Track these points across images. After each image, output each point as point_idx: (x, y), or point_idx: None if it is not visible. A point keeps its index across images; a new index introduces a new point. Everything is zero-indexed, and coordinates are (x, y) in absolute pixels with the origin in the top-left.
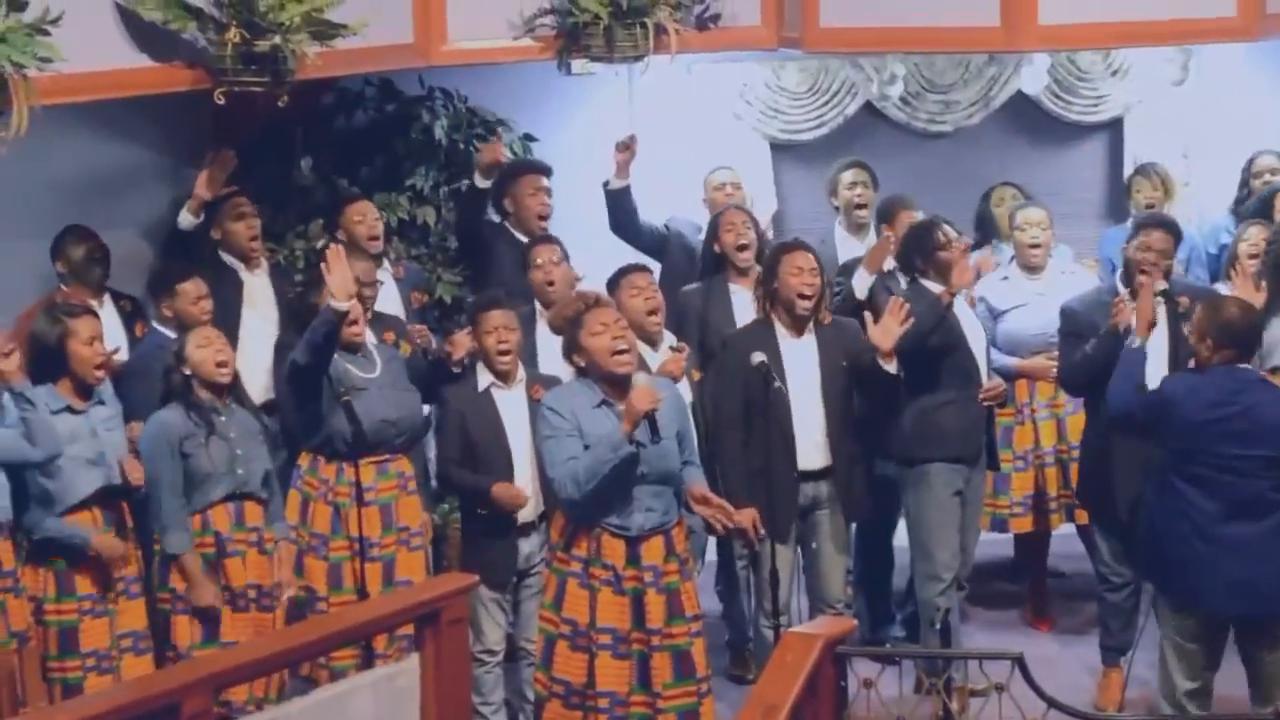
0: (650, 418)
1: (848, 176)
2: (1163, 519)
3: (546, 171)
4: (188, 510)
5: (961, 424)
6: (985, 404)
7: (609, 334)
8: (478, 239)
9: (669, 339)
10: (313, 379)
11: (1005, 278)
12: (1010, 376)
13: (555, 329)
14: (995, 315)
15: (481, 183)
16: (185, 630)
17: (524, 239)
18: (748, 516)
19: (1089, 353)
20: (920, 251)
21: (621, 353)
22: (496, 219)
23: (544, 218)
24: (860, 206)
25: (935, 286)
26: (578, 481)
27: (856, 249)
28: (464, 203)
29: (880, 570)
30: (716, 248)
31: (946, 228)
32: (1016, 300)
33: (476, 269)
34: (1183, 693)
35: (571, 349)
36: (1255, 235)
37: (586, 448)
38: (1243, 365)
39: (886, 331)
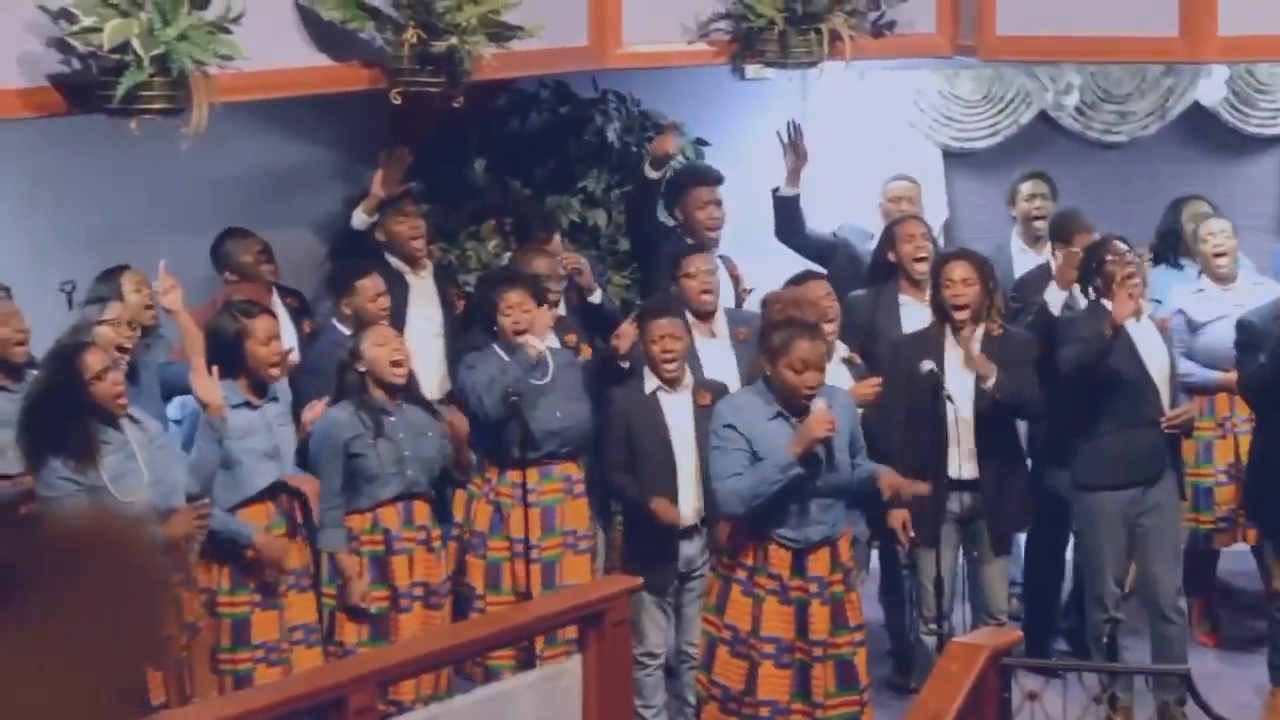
0: (828, 444)
1: (1027, 188)
2: None
3: (717, 181)
4: (345, 510)
5: (1134, 451)
6: (1170, 431)
7: (810, 374)
8: (648, 234)
9: (841, 350)
10: None
11: (1200, 290)
12: (1211, 390)
13: (765, 318)
14: (1194, 329)
15: (652, 174)
16: (352, 627)
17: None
18: (898, 518)
19: (1265, 363)
20: (1097, 272)
21: (810, 391)
22: (670, 222)
23: (713, 230)
24: (1038, 218)
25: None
26: (741, 498)
27: (1033, 260)
28: (634, 195)
29: (1048, 583)
30: (891, 256)
31: (1118, 246)
32: (1215, 313)
33: (645, 266)
34: None
35: (768, 357)
36: None
37: (758, 458)
38: None
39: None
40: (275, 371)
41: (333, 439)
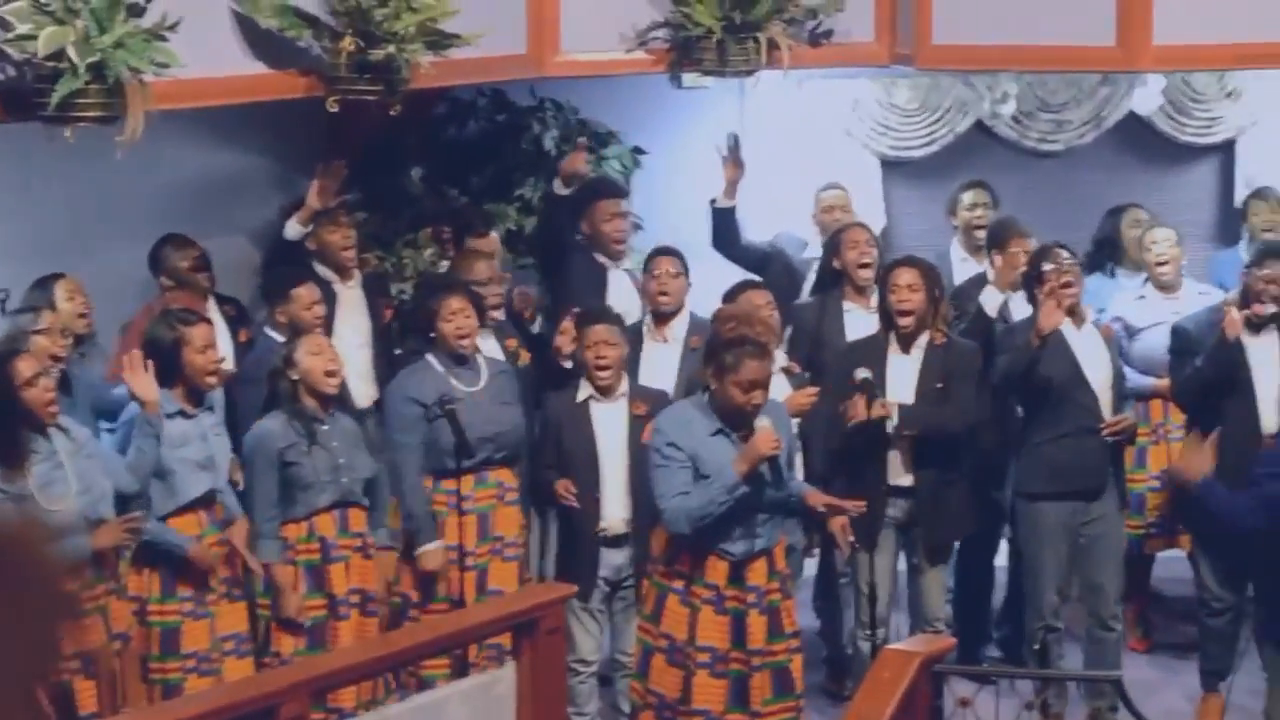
0: (773, 461)
1: (968, 197)
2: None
3: (622, 194)
4: (281, 520)
5: (1076, 460)
6: (1110, 439)
7: (752, 394)
8: (555, 249)
9: (779, 359)
10: None
11: (1141, 296)
12: (1146, 396)
13: (715, 333)
14: (1132, 335)
15: (561, 190)
16: (289, 639)
17: (603, 260)
18: (838, 523)
19: (1200, 367)
20: (1038, 280)
21: (756, 409)
22: (578, 236)
23: (619, 242)
24: (979, 227)
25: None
26: (689, 518)
27: (974, 269)
28: (544, 210)
29: (980, 589)
30: (836, 263)
31: (1059, 254)
32: (1153, 319)
33: (552, 281)
34: None
35: (714, 373)
36: None
37: (702, 475)
38: None
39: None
40: (212, 380)
41: (267, 449)
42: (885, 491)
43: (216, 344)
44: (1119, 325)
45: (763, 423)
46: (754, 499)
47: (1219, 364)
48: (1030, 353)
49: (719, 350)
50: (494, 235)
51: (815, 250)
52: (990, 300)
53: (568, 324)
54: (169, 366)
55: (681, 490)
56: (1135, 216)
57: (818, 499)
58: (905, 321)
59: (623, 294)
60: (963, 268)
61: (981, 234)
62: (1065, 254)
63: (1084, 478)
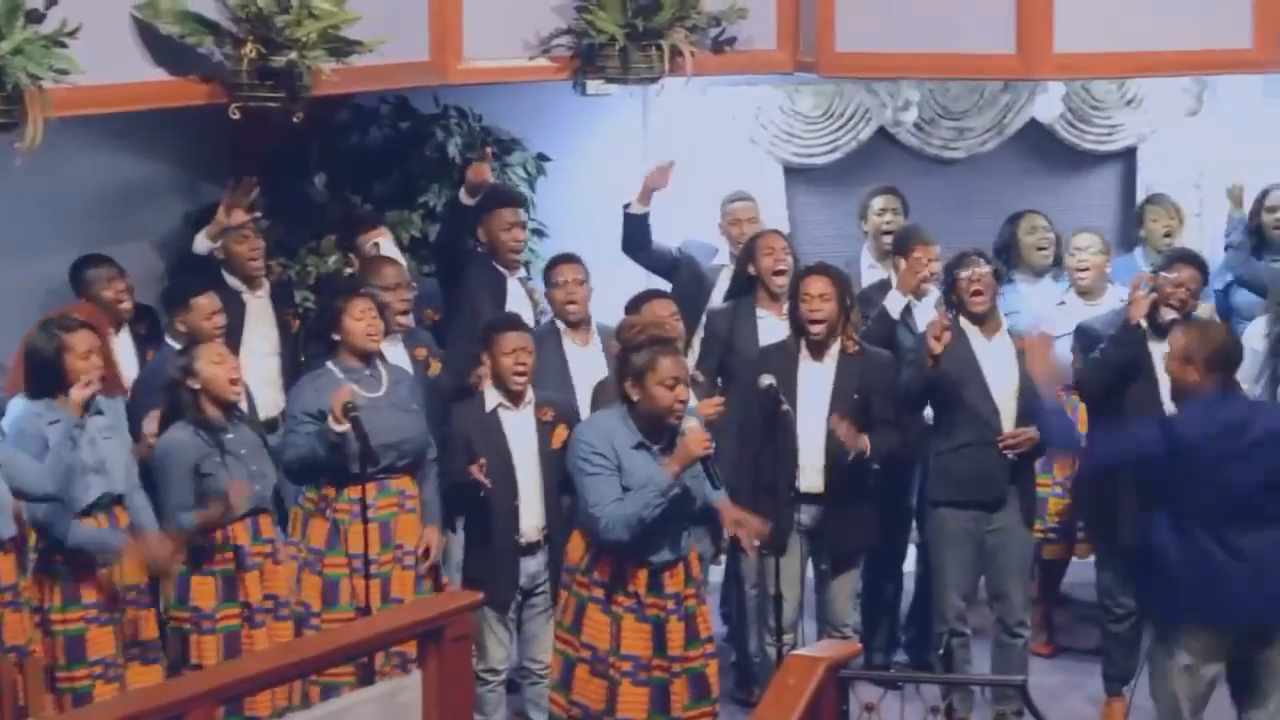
0: (707, 465)
1: (878, 203)
2: (1177, 549)
3: (520, 204)
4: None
5: (976, 469)
6: (1008, 451)
7: (677, 389)
8: (455, 258)
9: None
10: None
11: (1062, 302)
12: None
13: (623, 343)
14: None
15: (466, 200)
16: (211, 649)
17: (501, 269)
18: (742, 529)
19: (1104, 351)
20: (952, 288)
21: (681, 407)
22: (476, 245)
23: (516, 251)
24: (888, 233)
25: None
26: (627, 524)
27: (883, 275)
28: (445, 219)
29: (887, 594)
30: (751, 269)
31: (974, 261)
32: (1069, 327)
33: (450, 290)
34: (1187, 711)
35: (630, 381)
36: None
37: (624, 487)
38: (1233, 390)
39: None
40: (93, 386)
41: (181, 461)
42: (795, 498)
43: (98, 350)
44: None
45: (692, 423)
46: (685, 502)
47: (1122, 347)
48: (925, 373)
49: (630, 357)
50: (385, 232)
51: (725, 258)
52: (893, 304)
53: (485, 367)
54: (53, 374)
55: (616, 497)
56: (1032, 223)
57: (729, 514)
58: (817, 330)
59: (520, 302)
60: (871, 274)
61: (890, 240)
62: (981, 262)
63: (984, 488)
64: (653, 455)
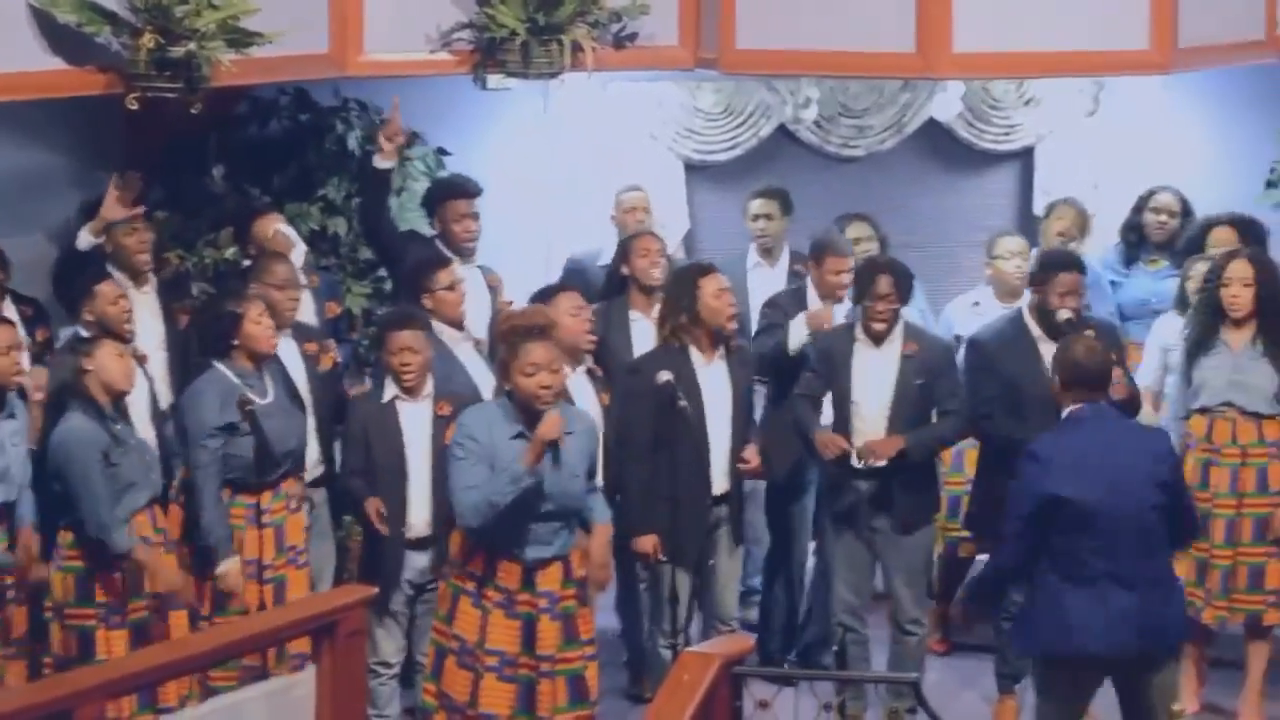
0: (553, 445)
1: (754, 206)
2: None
3: (475, 193)
4: (120, 515)
5: (838, 474)
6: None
7: (543, 375)
8: (385, 238)
9: (585, 360)
10: None
11: (976, 303)
12: None
13: (496, 336)
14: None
15: (382, 164)
16: (120, 640)
17: (452, 257)
18: (648, 543)
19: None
20: (862, 296)
21: (547, 391)
22: (429, 233)
23: (469, 241)
24: (763, 236)
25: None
26: (478, 510)
27: (767, 274)
28: (365, 198)
29: (784, 592)
30: (625, 270)
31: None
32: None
33: (392, 272)
34: None
35: (502, 370)
36: (1201, 271)
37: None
38: (1096, 402)
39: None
40: (17, 380)
41: (89, 449)
42: (710, 502)
43: (20, 345)
44: (954, 337)
45: (552, 412)
46: (541, 495)
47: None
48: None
49: (501, 347)
50: (280, 220)
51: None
52: (795, 335)
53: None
54: None
55: (472, 485)
56: (856, 228)
57: (600, 550)
58: (732, 326)
59: (474, 291)
60: (756, 273)
61: (768, 241)
62: (886, 280)
63: (855, 492)
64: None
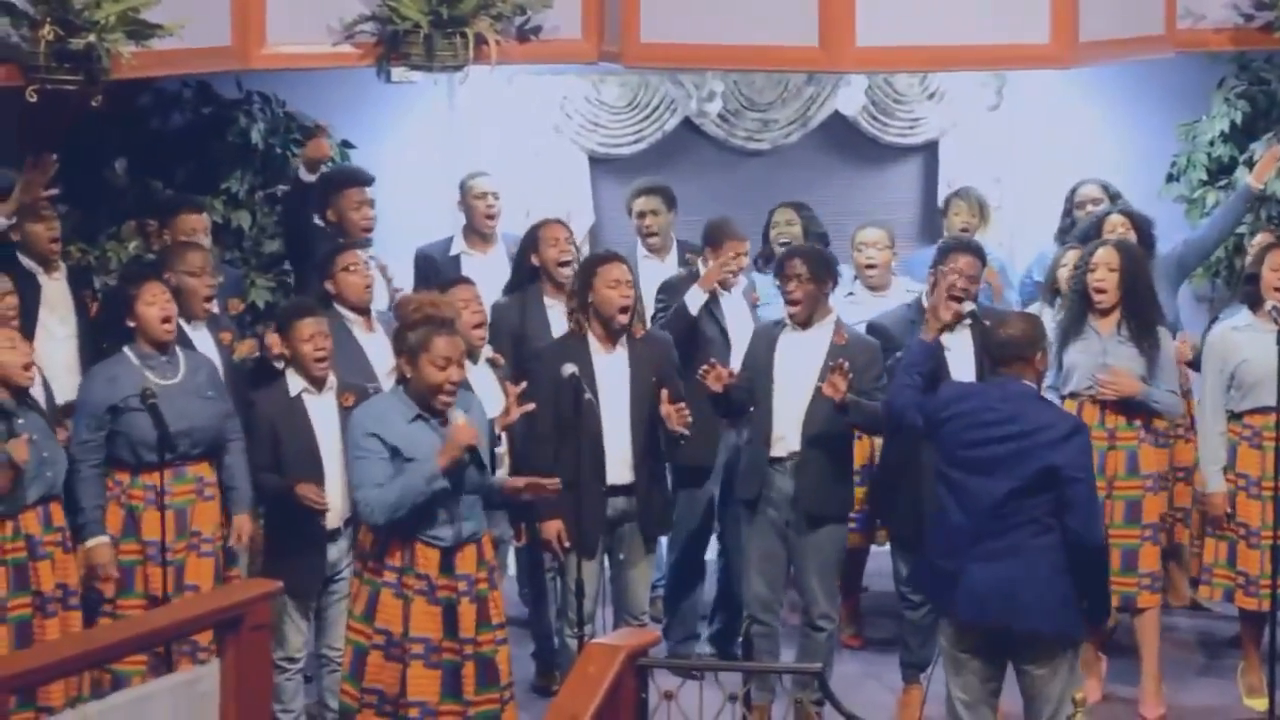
0: (474, 452)
1: (637, 204)
2: (930, 525)
3: (368, 182)
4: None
5: (752, 465)
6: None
7: (449, 370)
8: (302, 238)
9: (485, 350)
10: None
11: (850, 293)
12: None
13: (400, 320)
14: None
15: (306, 177)
16: (1, 640)
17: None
18: (553, 529)
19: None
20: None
21: (453, 386)
22: (321, 224)
23: (367, 229)
24: (650, 234)
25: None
26: (386, 509)
27: (657, 267)
28: (288, 200)
29: (689, 584)
30: (534, 260)
31: (794, 265)
32: (859, 318)
33: (299, 271)
34: (957, 701)
35: (405, 357)
36: (1073, 260)
37: (408, 460)
38: (1022, 381)
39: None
40: None
41: None
42: (606, 492)
43: None
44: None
45: (458, 418)
46: (455, 491)
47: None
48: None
49: (405, 334)
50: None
51: (461, 244)
52: (693, 300)
53: (273, 336)
54: None
55: (379, 482)
56: (782, 215)
57: (514, 482)
58: (624, 318)
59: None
60: (645, 265)
61: (654, 240)
62: (799, 264)
63: (751, 485)
64: (430, 426)
